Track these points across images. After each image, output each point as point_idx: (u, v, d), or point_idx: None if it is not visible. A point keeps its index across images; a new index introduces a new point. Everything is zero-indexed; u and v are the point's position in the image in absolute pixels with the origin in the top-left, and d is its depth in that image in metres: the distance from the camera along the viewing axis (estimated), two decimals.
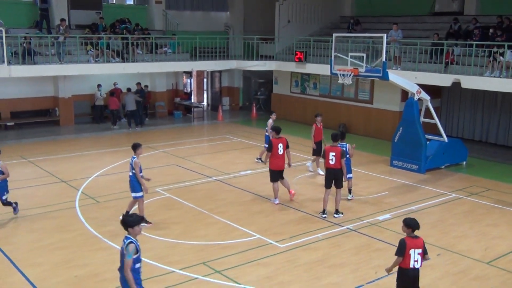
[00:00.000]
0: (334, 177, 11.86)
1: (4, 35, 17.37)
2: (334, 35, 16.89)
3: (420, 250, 7.31)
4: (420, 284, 8.55)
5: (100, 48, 21.34)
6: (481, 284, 9.00)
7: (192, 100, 27.87)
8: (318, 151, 15.28)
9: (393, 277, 8.78)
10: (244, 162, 16.99)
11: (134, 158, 10.95)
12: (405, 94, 18.61)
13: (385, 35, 15.29)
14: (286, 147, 12.63)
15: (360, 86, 22.04)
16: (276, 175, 12.76)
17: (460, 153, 17.23)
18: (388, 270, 7.59)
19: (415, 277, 7.37)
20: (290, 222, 11.75)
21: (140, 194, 11.14)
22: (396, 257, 7.35)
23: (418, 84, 16.48)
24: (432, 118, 16.78)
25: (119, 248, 9.61)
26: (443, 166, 16.67)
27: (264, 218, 11.99)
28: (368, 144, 19.94)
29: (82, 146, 19.03)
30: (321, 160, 13.54)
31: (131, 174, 11.02)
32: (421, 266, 7.35)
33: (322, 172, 15.25)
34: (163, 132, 22.19)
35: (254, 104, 26.87)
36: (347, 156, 12.72)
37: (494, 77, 16.69)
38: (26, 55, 19.20)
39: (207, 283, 8.84)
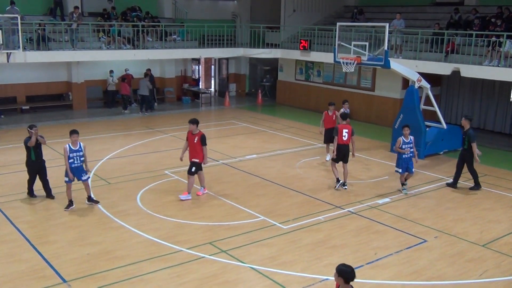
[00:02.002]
0: (345, 153, 12.83)
1: (19, 21, 17.67)
2: (338, 24, 17.15)
3: None
4: (417, 266, 9.02)
5: (111, 35, 21.63)
6: (476, 265, 9.14)
7: (200, 86, 28.00)
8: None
9: (392, 258, 9.26)
10: (250, 147, 17.18)
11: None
12: (406, 82, 18.69)
13: (387, 25, 15.45)
14: (201, 142, 11.95)
15: (362, 74, 22.20)
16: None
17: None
18: None
19: None
20: (293, 205, 11.91)
21: (66, 179, 11.16)
22: None
23: (419, 73, 16.63)
24: (432, 105, 16.89)
25: (130, 227, 10.30)
26: (441, 152, 16.86)
27: (269, 201, 12.14)
28: (369, 130, 20.12)
29: (94, 130, 19.18)
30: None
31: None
32: None
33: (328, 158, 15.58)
34: (172, 117, 22.32)
35: (260, 91, 27.01)
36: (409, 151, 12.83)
37: (493, 66, 16.84)
38: (41, 41, 19.46)
39: (213, 262, 8.95)
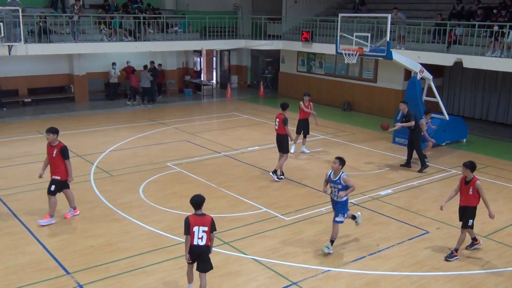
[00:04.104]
0: (277, 143, 13.12)
1: (20, 14, 17.67)
2: (340, 15, 17.11)
3: (205, 228, 7.08)
4: (419, 257, 9.05)
5: (113, 27, 21.61)
6: (478, 256, 9.19)
7: (202, 78, 28.05)
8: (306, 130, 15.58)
9: (394, 249, 9.31)
10: (252, 138, 17.26)
11: None
12: (408, 73, 18.74)
13: (389, 15, 15.41)
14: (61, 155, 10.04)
15: (364, 65, 22.17)
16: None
17: (461, 131, 17.39)
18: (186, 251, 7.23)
19: (199, 253, 7.20)
20: (295, 196, 11.96)
21: None
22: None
23: (421, 64, 16.60)
24: (434, 96, 16.85)
25: (132, 219, 10.34)
26: (444, 143, 16.84)
27: (271, 192, 12.20)
28: (371, 121, 20.12)
29: (97, 122, 19.26)
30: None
31: None
32: (206, 243, 7.12)
33: (307, 151, 15.67)
34: (174, 109, 22.39)
35: (261, 83, 27.04)
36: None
37: (496, 57, 16.80)
38: (42, 34, 19.47)
39: (215, 254, 8.75)
